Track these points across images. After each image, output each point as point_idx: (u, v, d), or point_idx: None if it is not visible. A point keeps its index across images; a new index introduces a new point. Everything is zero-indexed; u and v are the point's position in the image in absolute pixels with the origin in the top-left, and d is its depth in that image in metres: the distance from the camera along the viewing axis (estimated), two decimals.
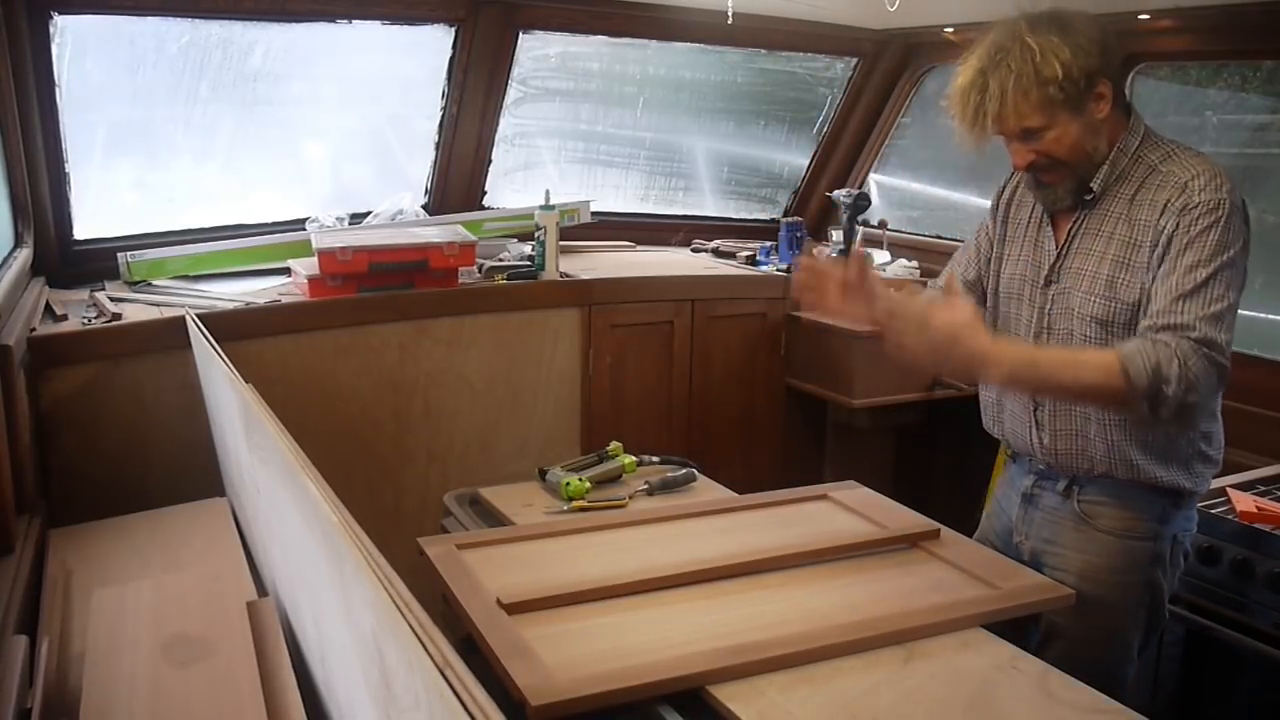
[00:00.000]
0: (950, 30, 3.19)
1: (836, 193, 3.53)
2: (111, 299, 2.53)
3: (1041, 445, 1.79)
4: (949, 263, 2.06)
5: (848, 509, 1.98)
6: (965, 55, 1.72)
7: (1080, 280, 1.72)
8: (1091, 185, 1.71)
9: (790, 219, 3.61)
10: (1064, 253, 1.76)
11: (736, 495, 2.11)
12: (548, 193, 3.08)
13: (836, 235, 3.52)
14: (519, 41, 3.17)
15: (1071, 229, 1.76)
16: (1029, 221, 1.85)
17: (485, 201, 3.43)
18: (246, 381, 1.73)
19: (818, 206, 3.94)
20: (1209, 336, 1.55)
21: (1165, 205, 1.64)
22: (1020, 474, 1.89)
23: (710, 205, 3.96)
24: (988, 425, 1.96)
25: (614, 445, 2.28)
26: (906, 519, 1.93)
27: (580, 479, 2.09)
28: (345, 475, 2.55)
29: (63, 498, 2.20)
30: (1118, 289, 1.68)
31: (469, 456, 2.89)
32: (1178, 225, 1.61)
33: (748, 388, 3.32)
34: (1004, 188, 1.95)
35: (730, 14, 2.92)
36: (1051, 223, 1.80)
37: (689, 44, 3.52)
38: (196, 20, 2.76)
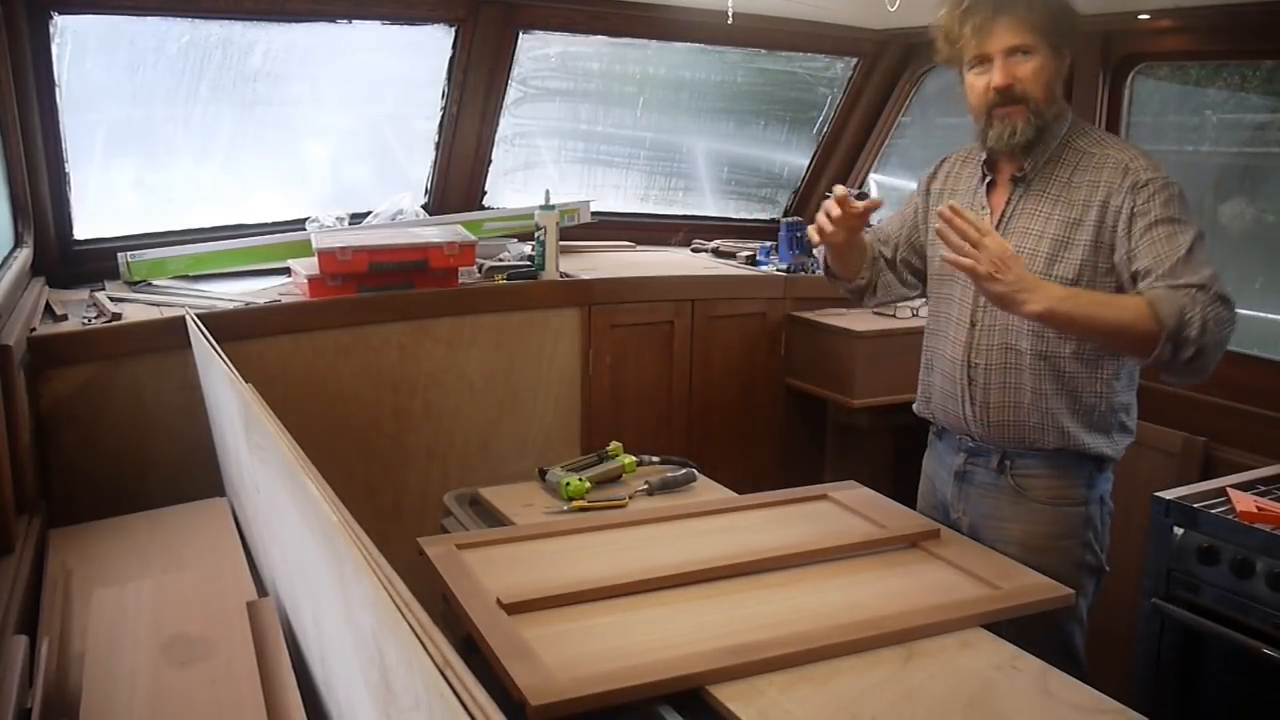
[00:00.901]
0: None
1: (837, 188, 3.52)
2: (111, 299, 2.53)
3: (975, 419, 1.87)
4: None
5: (848, 509, 1.98)
6: None
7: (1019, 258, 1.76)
8: (1024, 165, 1.80)
9: (790, 219, 3.61)
10: (1000, 231, 1.82)
11: (736, 495, 2.11)
12: (548, 193, 3.08)
13: None
14: (519, 41, 3.17)
15: (1006, 210, 1.84)
16: (962, 205, 1.86)
17: (485, 201, 3.43)
18: (246, 381, 1.73)
19: (818, 206, 3.92)
20: (1223, 292, 1.63)
21: (1108, 185, 1.73)
22: (949, 452, 1.98)
23: (710, 205, 3.96)
24: (917, 408, 2.05)
25: (614, 445, 2.28)
26: (906, 519, 1.93)
27: (580, 479, 2.09)
28: (345, 475, 2.55)
29: (63, 498, 2.20)
30: (1056, 265, 1.77)
31: (469, 456, 2.89)
32: (1134, 203, 1.70)
33: (747, 388, 3.32)
34: (933, 174, 2.03)
35: (730, 14, 2.91)
36: (988, 203, 1.88)
37: (689, 44, 3.52)
38: (196, 20, 2.76)
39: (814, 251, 3.53)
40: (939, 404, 1.97)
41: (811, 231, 1.92)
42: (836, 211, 1.85)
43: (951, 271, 1.79)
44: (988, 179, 1.90)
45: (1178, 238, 1.66)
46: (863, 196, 3.40)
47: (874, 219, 2.05)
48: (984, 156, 1.91)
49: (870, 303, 2.13)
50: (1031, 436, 1.83)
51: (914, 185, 2.11)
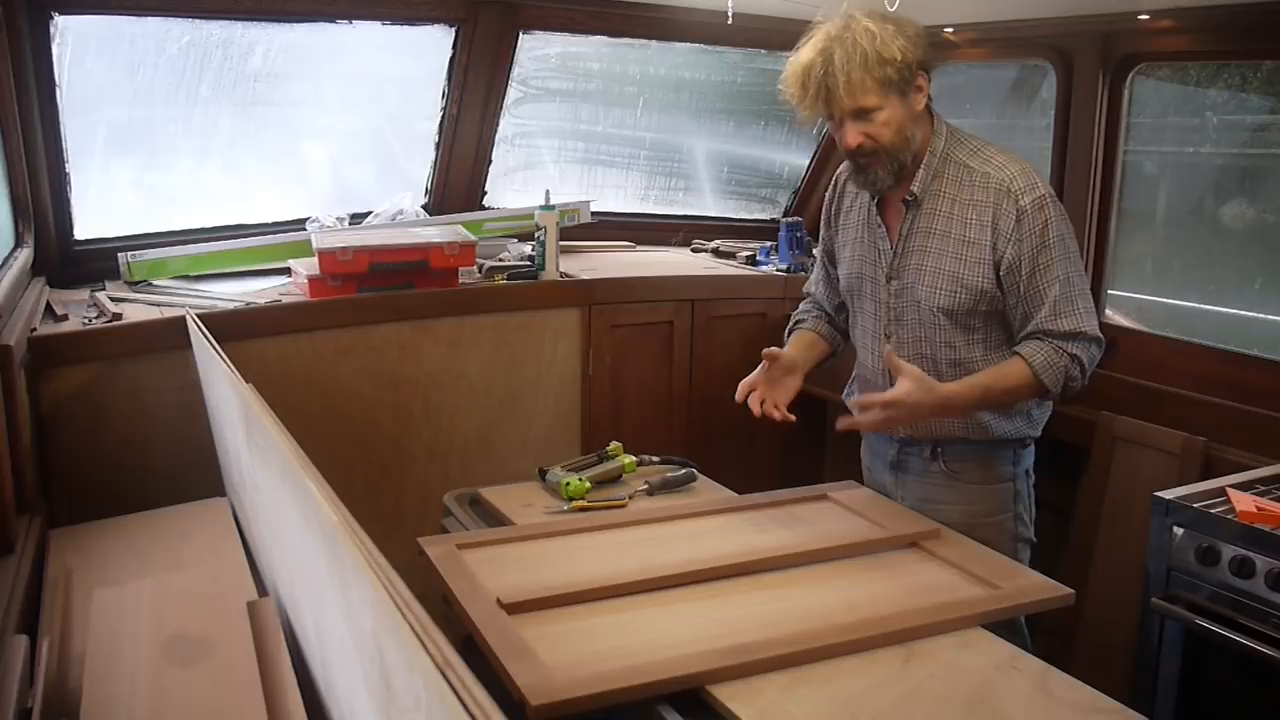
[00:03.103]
0: (950, 30, 3.19)
1: None
2: (112, 299, 2.53)
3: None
4: (803, 304, 2.28)
5: (848, 509, 1.98)
6: (800, 43, 1.88)
7: (922, 275, 1.91)
8: (913, 189, 1.89)
9: (790, 219, 3.61)
10: (899, 251, 1.95)
11: (736, 495, 2.11)
12: (548, 193, 3.08)
13: None
14: (519, 41, 3.17)
15: (903, 228, 1.94)
16: (859, 223, 2.03)
17: (485, 201, 3.43)
18: (246, 381, 1.74)
19: (818, 206, 3.93)
20: (1094, 333, 1.84)
21: (994, 207, 1.84)
22: (883, 443, 2.09)
23: (710, 205, 3.96)
24: (845, 399, 2.15)
25: (614, 445, 2.28)
26: (906, 519, 1.93)
27: (580, 479, 2.09)
28: (345, 475, 2.55)
29: (63, 498, 2.20)
30: (961, 280, 1.88)
31: (469, 456, 2.89)
32: (1019, 234, 1.82)
33: None
34: (833, 197, 2.12)
35: (730, 14, 2.92)
36: (883, 221, 1.97)
37: (689, 44, 3.52)
38: (196, 20, 2.76)
39: (813, 252, 3.53)
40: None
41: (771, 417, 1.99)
42: (756, 398, 1.99)
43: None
44: (876, 199, 1.98)
45: (1055, 270, 1.82)
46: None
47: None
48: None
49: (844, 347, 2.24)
50: (959, 433, 1.96)
51: (838, 171, 2.16)
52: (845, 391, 2.20)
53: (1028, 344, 1.85)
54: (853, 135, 1.84)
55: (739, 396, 1.99)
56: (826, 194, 2.16)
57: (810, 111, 1.88)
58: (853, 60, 1.78)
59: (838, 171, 2.15)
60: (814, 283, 2.26)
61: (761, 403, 1.97)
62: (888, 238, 1.97)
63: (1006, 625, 1.75)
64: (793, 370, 2.03)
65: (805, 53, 1.85)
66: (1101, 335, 1.87)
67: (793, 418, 1.97)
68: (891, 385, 1.94)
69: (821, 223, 2.18)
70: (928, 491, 2.02)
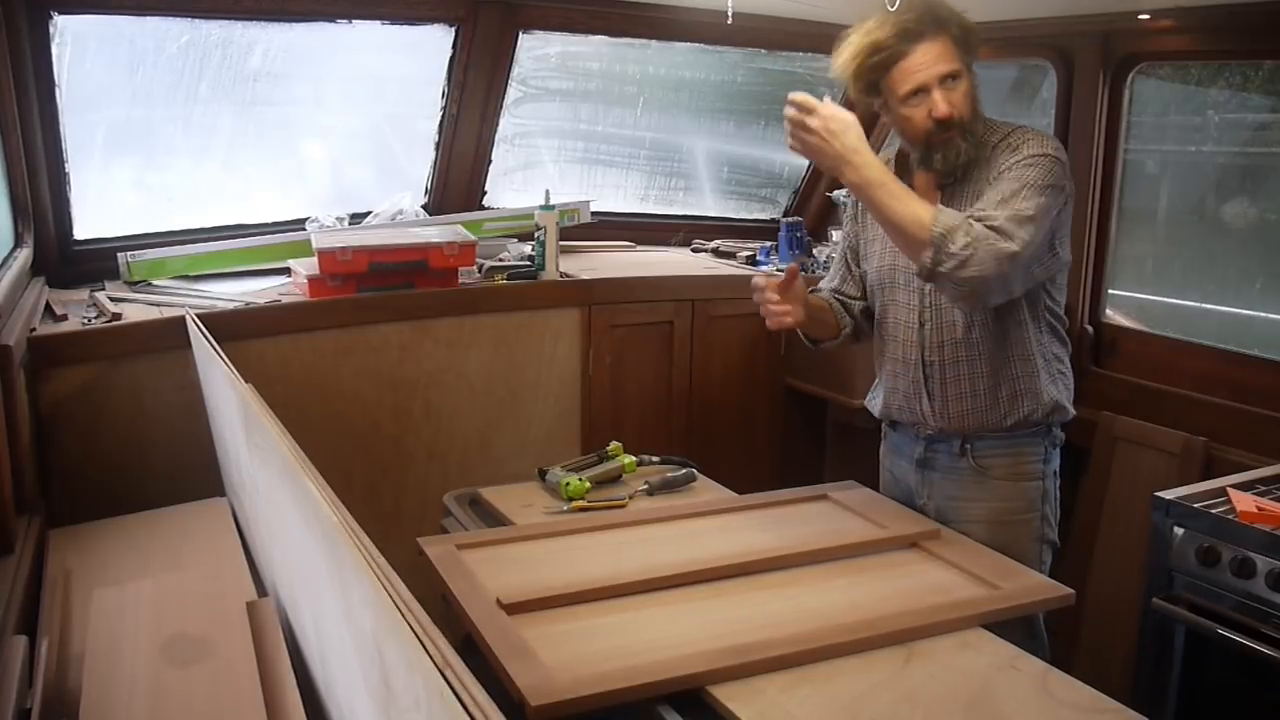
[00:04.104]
0: None
1: (836, 193, 3.52)
2: (111, 299, 2.53)
3: (934, 413, 1.96)
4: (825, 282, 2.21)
5: (848, 509, 1.98)
6: (855, 29, 1.84)
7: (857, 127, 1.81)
8: (957, 172, 1.87)
9: (790, 219, 3.61)
10: None
11: (736, 495, 2.11)
12: (548, 193, 3.08)
13: (836, 235, 3.52)
14: (519, 41, 3.17)
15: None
16: None
17: (485, 201, 3.43)
18: (246, 381, 1.74)
19: (818, 206, 3.94)
20: (1002, 226, 1.70)
21: (1004, 161, 1.81)
22: (908, 443, 2.06)
23: (710, 205, 3.95)
24: (871, 408, 2.14)
25: (614, 445, 2.28)
26: (906, 519, 1.93)
27: (580, 479, 2.09)
28: (345, 475, 2.55)
29: (63, 498, 2.20)
30: None
31: (469, 456, 2.89)
32: (1006, 164, 1.79)
33: (748, 388, 3.32)
34: (855, 201, 2.08)
35: (730, 14, 2.91)
36: None
37: (689, 44, 3.52)
38: (196, 20, 2.76)
39: (813, 252, 3.53)
40: (896, 403, 2.03)
41: (772, 324, 1.97)
42: (774, 295, 1.92)
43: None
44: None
45: (1011, 184, 1.75)
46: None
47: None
48: (894, 169, 1.94)
49: (854, 345, 2.19)
50: (990, 420, 1.92)
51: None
52: (869, 397, 2.16)
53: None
54: (943, 103, 1.78)
55: (758, 282, 1.93)
56: (851, 201, 2.13)
57: (883, 87, 1.82)
58: (936, 18, 1.78)
59: None
60: (826, 281, 2.21)
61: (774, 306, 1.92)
62: None
63: (1025, 629, 1.76)
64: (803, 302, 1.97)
65: (871, 24, 1.81)
66: (1015, 246, 1.70)
67: (790, 322, 1.95)
68: (928, 378, 1.95)
69: (847, 218, 2.16)
70: (955, 489, 1.98)
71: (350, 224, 3.12)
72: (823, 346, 2.17)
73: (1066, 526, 2.79)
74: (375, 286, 2.74)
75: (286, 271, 2.85)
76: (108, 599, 1.59)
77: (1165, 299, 2.91)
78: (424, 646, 0.82)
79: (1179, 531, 1.99)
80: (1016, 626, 1.69)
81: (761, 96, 3.78)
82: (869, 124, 3.45)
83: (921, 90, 1.80)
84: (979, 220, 1.70)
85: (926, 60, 1.77)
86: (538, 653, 1.39)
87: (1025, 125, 1.90)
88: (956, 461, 1.97)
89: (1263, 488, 2.05)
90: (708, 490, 2.17)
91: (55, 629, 1.59)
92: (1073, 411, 1.99)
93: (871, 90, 1.87)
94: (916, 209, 1.72)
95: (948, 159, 1.85)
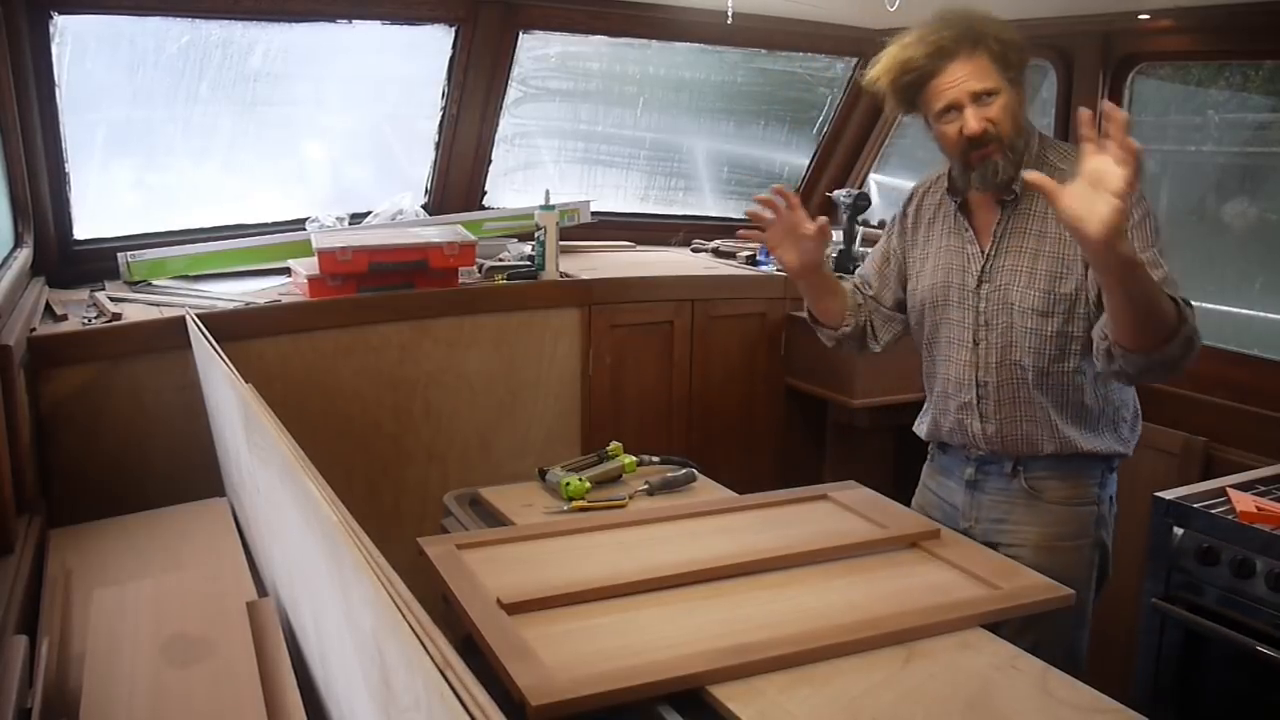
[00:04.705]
0: None
1: (837, 193, 3.52)
2: (111, 299, 2.53)
3: (984, 435, 1.90)
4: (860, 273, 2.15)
5: (848, 509, 1.98)
6: (895, 38, 1.80)
7: (1017, 276, 1.83)
8: (1014, 187, 1.81)
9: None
10: (994, 253, 1.86)
11: (736, 495, 2.11)
12: (548, 193, 3.08)
13: (837, 235, 3.52)
14: (519, 41, 3.17)
15: (998, 230, 1.86)
16: (942, 231, 1.95)
17: (485, 201, 3.43)
18: (246, 381, 1.74)
19: (818, 206, 3.94)
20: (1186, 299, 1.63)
21: None
22: (957, 464, 1.99)
23: (710, 205, 3.96)
24: (919, 430, 2.07)
25: (614, 445, 2.28)
26: (906, 519, 1.93)
27: (580, 479, 2.09)
28: (345, 475, 2.55)
29: (63, 498, 2.20)
30: (1057, 282, 1.79)
31: (469, 456, 2.89)
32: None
33: (748, 388, 3.32)
34: (908, 202, 2.04)
35: (730, 14, 2.92)
36: (971, 226, 1.90)
37: (689, 44, 3.52)
38: (196, 20, 2.76)
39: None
40: (946, 423, 1.97)
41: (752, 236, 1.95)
42: (781, 200, 1.88)
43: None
44: (958, 202, 1.91)
45: (1152, 250, 1.68)
46: (863, 199, 3.42)
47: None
48: (947, 185, 1.93)
49: (877, 348, 2.11)
50: (1043, 447, 1.86)
51: (913, 185, 2.10)
52: (917, 421, 2.09)
53: None
54: (975, 120, 1.75)
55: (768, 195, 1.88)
56: (900, 207, 2.08)
57: (919, 103, 1.80)
58: (973, 34, 1.73)
59: (914, 187, 2.06)
60: (862, 279, 2.14)
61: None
62: (977, 241, 1.89)
63: (1066, 654, 1.76)
64: (817, 256, 1.92)
65: (908, 39, 1.78)
66: None
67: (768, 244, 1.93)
68: (980, 398, 1.89)
69: (891, 231, 2.08)
70: (1003, 512, 1.92)
71: (350, 224, 3.12)
72: (822, 331, 2.12)
73: None
74: (375, 286, 2.74)
75: (286, 271, 2.85)
76: (108, 599, 1.59)
77: None
78: (424, 646, 0.82)
79: (1179, 531, 1.99)
80: (1059, 650, 1.67)
81: (761, 96, 3.78)
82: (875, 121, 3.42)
83: (954, 107, 1.77)
84: (1187, 304, 1.61)
85: (959, 77, 1.74)
86: (538, 653, 1.39)
87: (1079, 147, 1.84)
88: (1008, 484, 1.91)
89: (1263, 488, 2.05)
90: (708, 490, 2.17)
91: (55, 629, 1.59)
92: (1127, 453, 1.91)
93: (909, 106, 1.84)
94: (1164, 297, 1.57)
95: (985, 177, 1.81)
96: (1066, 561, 1.83)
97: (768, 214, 1.91)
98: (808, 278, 2.00)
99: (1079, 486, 1.88)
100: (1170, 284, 1.65)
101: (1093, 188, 1.44)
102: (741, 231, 2.01)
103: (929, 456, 2.10)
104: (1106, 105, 1.50)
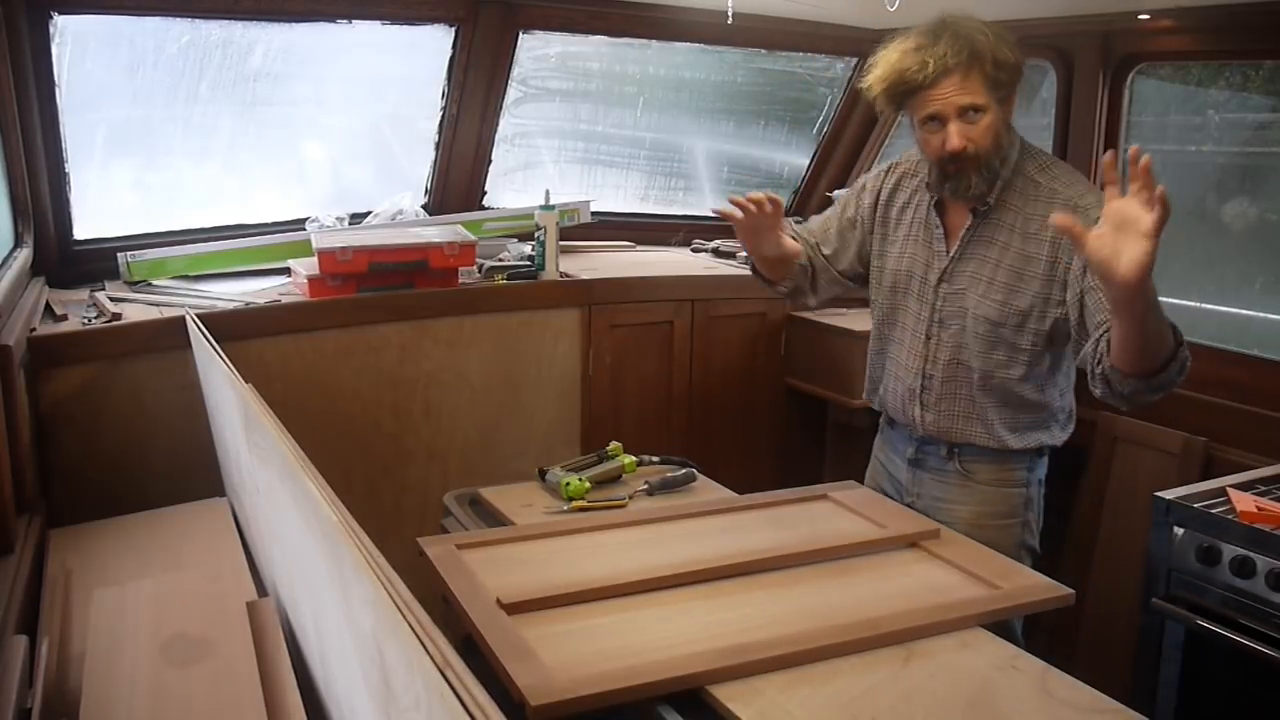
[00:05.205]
0: None
1: (837, 192, 3.52)
2: (111, 299, 2.53)
3: (923, 421, 2.00)
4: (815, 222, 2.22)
5: (848, 509, 1.98)
6: (897, 37, 1.82)
7: (976, 283, 1.89)
8: (989, 198, 1.86)
9: (790, 219, 3.61)
10: (958, 256, 1.93)
11: (736, 495, 2.11)
12: (548, 193, 3.08)
13: None
14: (519, 41, 3.17)
15: (966, 235, 1.91)
16: (913, 221, 2.00)
17: (485, 201, 3.43)
18: (246, 381, 1.74)
19: (818, 206, 3.94)
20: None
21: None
22: (902, 440, 2.10)
23: (710, 205, 3.95)
24: (868, 398, 2.18)
25: (614, 445, 2.28)
26: (906, 519, 1.93)
27: (580, 479, 2.09)
28: (345, 475, 2.55)
29: (63, 498, 2.20)
30: (1012, 295, 1.86)
31: (469, 456, 2.89)
32: None
33: (748, 388, 3.32)
34: (884, 181, 2.07)
35: (730, 14, 2.91)
36: (942, 224, 1.95)
37: (689, 44, 3.52)
38: (196, 20, 2.76)
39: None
40: (892, 403, 2.08)
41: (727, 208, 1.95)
42: (754, 209, 1.90)
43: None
44: (934, 199, 1.96)
45: None
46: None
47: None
48: (929, 181, 1.96)
49: (813, 302, 2.20)
50: (977, 439, 1.96)
51: (896, 160, 2.13)
52: (866, 394, 2.18)
53: None
54: (957, 137, 1.78)
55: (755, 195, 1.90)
56: (874, 177, 2.10)
57: (906, 107, 1.84)
58: (969, 52, 1.74)
59: (895, 162, 2.08)
60: (815, 235, 2.17)
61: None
62: (944, 240, 1.94)
63: (1003, 630, 1.76)
64: (786, 246, 1.97)
65: (911, 44, 1.79)
66: None
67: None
68: (925, 389, 1.98)
69: (863, 198, 2.11)
70: (941, 490, 2.03)
71: (350, 224, 3.12)
72: (763, 284, 2.15)
73: (1066, 527, 2.80)
74: (375, 286, 2.74)
75: (286, 271, 2.85)
76: (108, 599, 1.59)
77: (1165, 299, 2.88)
78: (424, 646, 0.82)
79: (1179, 531, 1.99)
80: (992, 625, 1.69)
81: (761, 96, 3.78)
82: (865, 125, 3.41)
83: (939, 119, 1.80)
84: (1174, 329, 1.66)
85: (948, 91, 1.76)
86: (538, 653, 1.39)
87: (1059, 160, 1.91)
88: (944, 464, 2.02)
89: (1263, 488, 2.05)
90: (708, 490, 2.17)
91: (55, 629, 1.59)
92: (1056, 445, 2.01)
93: (897, 108, 1.89)
94: (1165, 321, 1.62)
95: (957, 190, 1.85)
96: (994, 539, 1.90)
97: (738, 214, 1.94)
98: (770, 264, 2.06)
99: (1009, 471, 1.98)
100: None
101: (1118, 230, 1.46)
102: (714, 208, 2.08)
103: (879, 430, 2.21)
104: (1132, 150, 1.51)
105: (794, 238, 2.08)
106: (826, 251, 2.14)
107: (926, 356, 1.98)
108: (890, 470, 2.16)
